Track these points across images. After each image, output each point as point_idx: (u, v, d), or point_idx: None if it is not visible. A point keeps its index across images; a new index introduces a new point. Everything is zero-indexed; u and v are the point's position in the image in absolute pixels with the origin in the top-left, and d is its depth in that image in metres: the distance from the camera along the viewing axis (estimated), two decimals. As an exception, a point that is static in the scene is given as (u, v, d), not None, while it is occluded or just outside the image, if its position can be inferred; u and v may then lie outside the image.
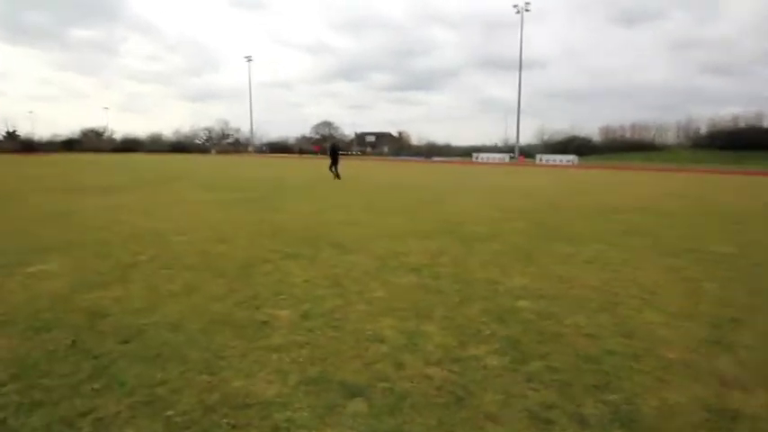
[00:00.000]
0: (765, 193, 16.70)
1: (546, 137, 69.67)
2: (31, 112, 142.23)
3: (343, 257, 5.56)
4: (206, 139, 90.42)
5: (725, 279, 4.95)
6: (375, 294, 4.22)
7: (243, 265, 5.11)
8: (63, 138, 74.65)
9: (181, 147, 77.81)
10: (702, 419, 2.36)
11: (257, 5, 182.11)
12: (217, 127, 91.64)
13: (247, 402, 2.41)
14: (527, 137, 70.40)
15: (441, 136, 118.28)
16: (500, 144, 72.83)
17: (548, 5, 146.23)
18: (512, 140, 64.92)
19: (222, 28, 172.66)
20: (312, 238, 6.66)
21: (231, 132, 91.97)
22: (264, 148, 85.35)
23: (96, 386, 2.54)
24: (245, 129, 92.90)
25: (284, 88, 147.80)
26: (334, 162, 19.07)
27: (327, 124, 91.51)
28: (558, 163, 49.13)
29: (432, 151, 69.29)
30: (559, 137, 67.38)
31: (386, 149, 79.21)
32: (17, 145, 62.13)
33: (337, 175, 18.77)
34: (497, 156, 57.14)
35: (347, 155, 70.15)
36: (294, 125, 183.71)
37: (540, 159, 52.10)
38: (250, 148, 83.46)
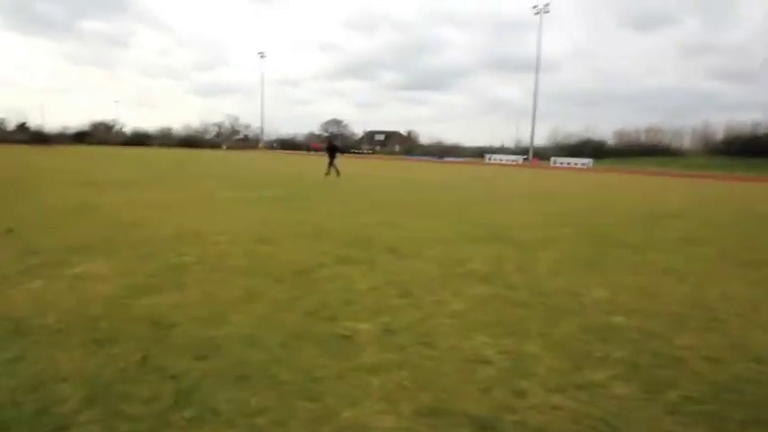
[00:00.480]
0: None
1: (559, 139, 69.02)
2: (41, 103, 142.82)
3: (401, 263, 5.21)
4: (216, 135, 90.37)
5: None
6: (453, 306, 3.86)
7: (298, 270, 4.76)
8: (73, 130, 74.50)
9: (191, 141, 77.55)
10: None
11: (267, 0, 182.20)
12: (227, 122, 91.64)
13: (368, 440, 2.06)
14: (539, 139, 69.77)
15: (449, 136, 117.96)
16: (512, 145, 72.26)
17: (559, 7, 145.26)
18: (524, 142, 64.36)
19: (232, 24, 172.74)
20: (359, 240, 6.31)
21: (241, 128, 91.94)
22: (275, 144, 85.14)
23: (187, 415, 2.20)
24: (254, 125, 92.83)
25: (292, 85, 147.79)
26: (332, 159, 18.72)
27: (336, 122, 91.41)
28: (572, 166, 48.58)
29: (442, 151, 68.83)
30: (573, 139, 66.72)
31: (397, 148, 78.89)
32: (28, 136, 62.08)
33: (337, 172, 18.36)
34: (510, 157, 56.64)
35: (358, 153, 69.89)
36: (301, 122, 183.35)
37: (555, 162, 51.55)
38: (260, 145, 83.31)
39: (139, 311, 3.49)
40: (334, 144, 18.93)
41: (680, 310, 4.00)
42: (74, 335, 3.05)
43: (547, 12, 54.11)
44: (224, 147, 75.98)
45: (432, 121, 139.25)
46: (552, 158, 53.00)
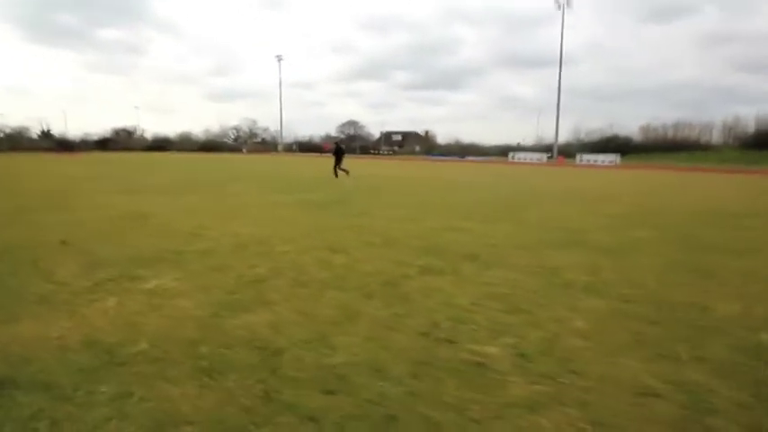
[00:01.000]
0: None
1: (582, 135, 67.70)
2: (63, 111, 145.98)
3: (488, 273, 4.80)
4: (234, 138, 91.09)
5: None
6: (576, 324, 3.45)
7: (384, 282, 4.40)
8: (95, 136, 75.83)
9: (211, 146, 78.32)
10: None
11: (280, 4, 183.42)
12: (245, 126, 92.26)
13: None
14: (562, 135, 68.58)
15: (466, 135, 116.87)
16: (533, 143, 71.13)
17: (576, 1, 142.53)
18: (547, 139, 63.25)
19: (245, 29, 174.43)
20: (432, 248, 5.92)
21: (259, 131, 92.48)
22: (294, 146, 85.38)
23: (350, 472, 1.84)
24: (272, 128, 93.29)
25: (305, 88, 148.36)
26: (338, 161, 18.93)
27: (353, 123, 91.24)
28: (600, 163, 47.45)
29: (463, 150, 68.09)
30: (596, 135, 65.38)
31: (417, 149, 78.38)
32: (53, 144, 63.33)
33: (346, 172, 18.62)
34: (535, 155, 55.58)
35: (377, 154, 69.57)
36: (316, 124, 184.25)
37: (581, 159, 50.41)
38: (279, 147, 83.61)
39: (237, 333, 3.17)
40: (340, 147, 19.27)
41: (833, 326, 3.52)
42: (177, 364, 2.73)
43: (569, 6, 52.96)
44: (244, 150, 76.55)
45: (447, 120, 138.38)
46: (578, 156, 51.77)
